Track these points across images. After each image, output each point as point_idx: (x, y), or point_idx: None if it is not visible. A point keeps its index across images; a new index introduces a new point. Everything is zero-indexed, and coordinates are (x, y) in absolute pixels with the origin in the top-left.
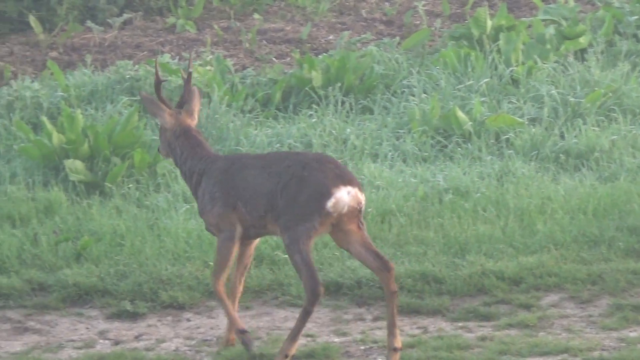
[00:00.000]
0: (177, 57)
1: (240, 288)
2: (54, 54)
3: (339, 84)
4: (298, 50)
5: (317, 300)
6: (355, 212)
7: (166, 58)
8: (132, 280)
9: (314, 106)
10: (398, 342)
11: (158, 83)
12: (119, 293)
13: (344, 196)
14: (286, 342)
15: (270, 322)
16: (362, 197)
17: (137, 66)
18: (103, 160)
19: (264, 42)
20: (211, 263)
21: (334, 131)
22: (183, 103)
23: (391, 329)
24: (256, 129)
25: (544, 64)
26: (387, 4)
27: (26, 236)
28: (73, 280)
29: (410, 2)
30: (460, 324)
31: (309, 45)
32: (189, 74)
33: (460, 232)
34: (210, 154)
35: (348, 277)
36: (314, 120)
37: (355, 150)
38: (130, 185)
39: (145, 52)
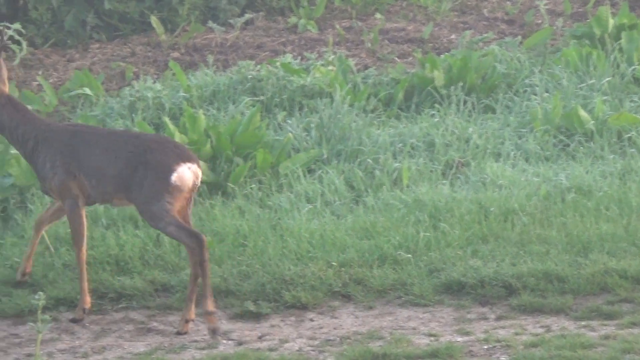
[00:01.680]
0: (299, 57)
1: (43, 230)
2: (175, 54)
3: (461, 84)
4: (420, 49)
5: (205, 247)
6: (194, 188)
7: (288, 58)
8: (255, 281)
9: (436, 105)
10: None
11: None
12: (242, 293)
13: (186, 171)
14: (206, 300)
15: (394, 322)
16: (200, 173)
17: (259, 66)
18: (225, 161)
19: (386, 41)
20: (334, 263)
21: (456, 130)
22: None
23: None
24: (378, 129)
25: None
26: (508, 3)
27: (149, 237)
28: None
29: (532, 1)
30: (583, 323)
31: (431, 44)
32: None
33: (582, 231)
34: (45, 121)
35: (471, 277)
36: (436, 119)
37: (478, 150)
38: (253, 186)
39: (267, 53)
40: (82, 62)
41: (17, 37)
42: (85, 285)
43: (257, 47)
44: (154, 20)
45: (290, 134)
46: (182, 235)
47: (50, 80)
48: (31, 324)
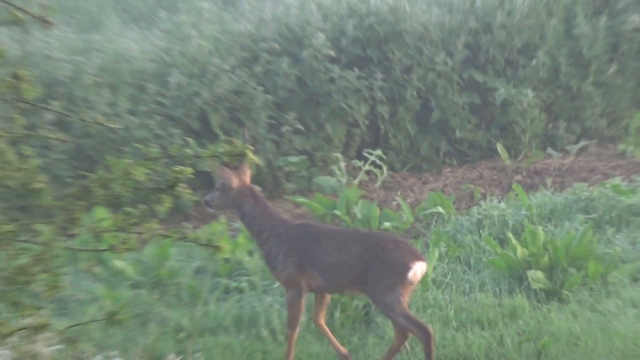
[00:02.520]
0: (627, 179)
1: (322, 321)
2: (518, 177)
3: None
4: None
5: (432, 341)
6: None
7: (616, 180)
8: None
9: None
10: None
11: (233, 162)
12: None
13: (419, 269)
14: None
15: None
16: (425, 269)
17: (591, 188)
18: (561, 271)
19: None
20: None
21: None
22: (236, 167)
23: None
24: None
25: None
26: None
27: (493, 337)
28: None
29: None
30: None
31: None
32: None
33: None
34: (281, 218)
35: None
36: None
37: None
38: (585, 293)
39: (598, 176)
40: (436, 184)
41: (378, 162)
42: (291, 357)
43: (590, 171)
44: (499, 147)
45: (618, 248)
46: (412, 327)
47: (408, 200)
48: None
